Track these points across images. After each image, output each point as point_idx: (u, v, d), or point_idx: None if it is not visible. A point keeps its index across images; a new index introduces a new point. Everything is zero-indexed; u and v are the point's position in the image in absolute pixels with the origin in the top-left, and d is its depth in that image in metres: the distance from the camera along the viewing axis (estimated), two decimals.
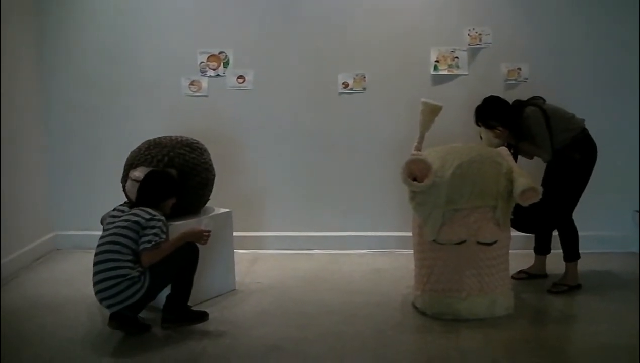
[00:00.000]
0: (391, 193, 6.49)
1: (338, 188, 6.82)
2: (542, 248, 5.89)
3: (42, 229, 6.81)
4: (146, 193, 4.94)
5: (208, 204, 5.67)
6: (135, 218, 4.73)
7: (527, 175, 4.90)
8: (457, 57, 6.50)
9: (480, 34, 6.46)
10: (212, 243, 5.44)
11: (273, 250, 6.83)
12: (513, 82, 6.50)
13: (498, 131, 5.44)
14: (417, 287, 5.20)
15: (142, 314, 4.89)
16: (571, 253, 5.55)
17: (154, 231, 4.69)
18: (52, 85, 6.77)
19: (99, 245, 4.73)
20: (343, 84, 6.65)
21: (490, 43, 6.48)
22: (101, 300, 4.66)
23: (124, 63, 6.76)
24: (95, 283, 4.65)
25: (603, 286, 5.66)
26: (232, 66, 6.72)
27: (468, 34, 6.48)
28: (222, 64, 6.72)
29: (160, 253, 4.68)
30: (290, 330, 4.86)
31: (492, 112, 5.49)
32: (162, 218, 4.83)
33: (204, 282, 5.40)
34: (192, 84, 6.75)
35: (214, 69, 6.72)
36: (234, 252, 5.75)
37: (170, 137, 5.47)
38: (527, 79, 6.48)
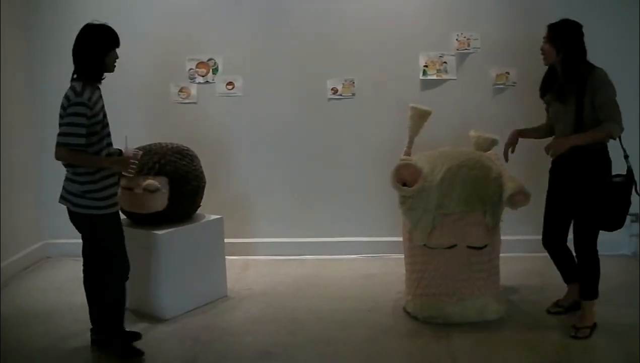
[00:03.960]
0: (381, 198, 6.50)
1: (328, 193, 6.83)
2: (573, 275, 5.08)
3: (31, 237, 6.80)
4: (87, 46, 4.33)
5: (199, 211, 5.67)
6: (64, 99, 4.30)
7: (517, 179, 4.91)
8: (445, 62, 6.52)
9: (468, 39, 6.49)
10: (203, 250, 5.46)
11: (264, 256, 6.84)
12: (501, 86, 6.53)
13: (549, 48, 4.79)
14: (408, 292, 5.22)
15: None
16: (590, 290, 4.81)
17: (63, 126, 4.22)
18: (42, 92, 6.74)
19: None
20: (332, 89, 6.66)
21: (478, 48, 6.50)
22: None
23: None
24: None
25: None
26: (221, 73, 6.72)
27: (456, 39, 6.50)
28: (211, 70, 6.72)
29: (71, 157, 4.23)
30: (281, 336, 4.87)
31: (566, 32, 4.76)
32: (85, 102, 4.21)
33: (195, 288, 5.41)
34: (181, 90, 6.75)
35: (202, 76, 6.73)
36: (225, 258, 5.74)
37: (161, 144, 5.47)
38: (515, 83, 6.51)
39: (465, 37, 6.47)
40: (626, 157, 4.66)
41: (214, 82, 6.74)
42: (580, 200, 4.69)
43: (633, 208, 6.45)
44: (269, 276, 6.26)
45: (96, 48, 4.32)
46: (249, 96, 6.73)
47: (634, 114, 6.45)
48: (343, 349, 4.63)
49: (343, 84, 6.66)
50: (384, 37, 6.59)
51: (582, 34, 4.76)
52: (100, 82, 4.44)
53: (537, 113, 6.53)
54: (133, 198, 5.20)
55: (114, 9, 6.67)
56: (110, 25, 4.41)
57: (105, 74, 4.44)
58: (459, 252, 4.89)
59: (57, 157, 4.25)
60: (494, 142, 5.34)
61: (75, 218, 4.42)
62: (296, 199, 6.86)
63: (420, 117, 5.37)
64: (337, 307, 5.42)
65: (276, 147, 6.81)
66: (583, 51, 4.74)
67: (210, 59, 6.71)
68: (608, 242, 6.54)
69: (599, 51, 6.42)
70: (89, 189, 4.30)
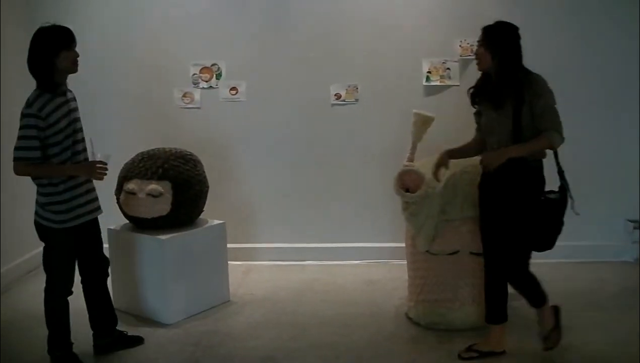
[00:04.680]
0: (384, 204, 6.50)
1: (331, 199, 6.83)
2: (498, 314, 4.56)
3: (34, 242, 6.76)
4: (36, 51, 4.15)
5: (202, 216, 5.68)
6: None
7: None
8: (448, 68, 6.53)
9: (471, 45, 6.47)
10: (206, 255, 5.47)
11: (266, 261, 6.83)
12: None
13: (484, 53, 4.41)
14: (411, 298, 5.22)
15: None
16: (535, 298, 4.52)
17: (17, 140, 4.10)
18: None
19: None
20: (335, 95, 6.67)
21: None
22: None
23: (117, 75, 6.77)
24: None
25: (596, 295, 5.67)
26: (224, 78, 6.73)
27: (460, 45, 6.50)
28: (214, 75, 6.74)
29: (30, 171, 4.15)
30: (284, 341, 4.87)
31: (499, 34, 4.41)
32: (34, 113, 4.04)
33: (198, 293, 5.41)
34: (184, 95, 6.77)
35: (206, 81, 6.74)
36: (227, 263, 5.75)
37: (164, 148, 5.49)
38: None
39: (468, 43, 6.47)
40: (560, 172, 4.38)
41: (218, 87, 6.75)
42: (510, 218, 4.31)
43: (634, 215, 6.53)
44: (272, 281, 6.26)
45: (44, 51, 4.11)
46: (253, 101, 6.74)
47: (634, 114, 6.47)
48: (345, 354, 4.63)
49: (346, 89, 6.66)
50: (388, 43, 6.60)
51: (518, 37, 4.42)
52: (57, 88, 4.20)
53: None
54: (136, 202, 5.22)
55: (117, 13, 6.70)
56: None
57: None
58: (461, 258, 4.89)
59: (16, 173, 4.16)
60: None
61: (35, 227, 4.36)
62: (299, 205, 6.86)
63: (423, 123, 5.37)
64: (339, 312, 5.42)
65: (279, 153, 6.82)
66: (519, 55, 4.39)
67: (213, 64, 6.72)
68: (610, 249, 6.58)
69: (599, 51, 6.50)
70: (51, 201, 4.20)
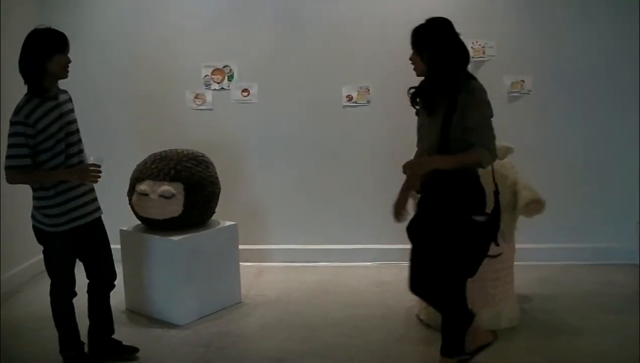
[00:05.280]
0: None
1: (343, 200, 6.84)
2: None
3: (33, 249, 6.73)
4: (27, 55, 4.07)
5: (214, 217, 5.70)
6: None
7: (532, 188, 4.91)
8: None
9: (483, 47, 6.48)
10: (218, 256, 5.48)
11: (278, 262, 6.84)
12: (516, 94, 6.53)
13: (415, 57, 4.17)
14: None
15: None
16: (451, 345, 4.12)
17: (7, 148, 4.05)
18: None
19: None
20: (347, 96, 6.68)
21: (493, 55, 6.50)
22: None
23: (129, 77, 6.79)
24: None
25: (606, 298, 5.66)
26: (236, 80, 6.75)
27: (471, 47, 6.47)
28: (226, 77, 6.76)
29: (22, 179, 4.11)
30: (295, 343, 4.87)
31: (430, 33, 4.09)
32: (21, 120, 3.99)
33: (209, 294, 5.42)
34: (196, 97, 6.79)
35: (218, 83, 6.76)
36: (239, 264, 5.76)
37: (176, 150, 5.51)
38: (530, 91, 6.51)
39: (480, 45, 6.47)
40: (496, 193, 4.01)
41: (230, 89, 6.77)
42: (438, 236, 3.94)
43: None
44: (283, 282, 6.27)
45: (36, 55, 4.03)
46: (264, 103, 6.75)
47: (634, 114, 6.45)
48: (357, 356, 4.63)
49: (358, 91, 6.67)
50: (399, 45, 6.51)
51: (452, 35, 3.99)
52: (47, 93, 4.12)
53: (552, 121, 6.56)
54: (148, 203, 5.24)
55: (129, 16, 6.73)
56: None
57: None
58: None
59: (9, 181, 4.12)
60: (509, 150, 5.31)
61: (33, 231, 4.32)
62: (310, 206, 6.87)
63: None
64: (351, 313, 5.43)
65: (291, 154, 6.83)
66: (456, 56, 3.93)
67: (225, 66, 6.74)
68: (620, 252, 6.56)
69: (605, 60, 6.49)
70: (43, 205, 4.16)
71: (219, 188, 5.62)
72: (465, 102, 3.78)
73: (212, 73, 6.76)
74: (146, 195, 5.23)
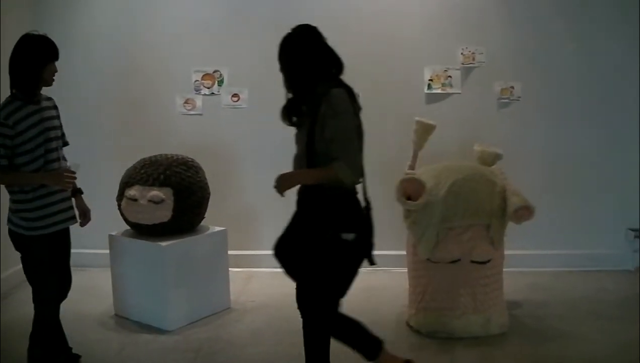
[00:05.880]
0: (385, 211, 6.44)
1: None
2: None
3: None
4: (24, 59, 4.06)
5: (203, 223, 5.68)
6: None
7: (521, 194, 4.92)
8: (450, 76, 6.54)
9: (473, 53, 6.50)
10: (207, 262, 5.47)
11: (267, 268, 6.77)
12: (506, 100, 6.54)
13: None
14: (412, 306, 5.21)
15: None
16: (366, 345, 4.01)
17: None
18: None
19: None
20: None
21: (483, 62, 6.51)
22: None
23: (119, 81, 6.77)
24: None
25: (597, 304, 5.67)
26: (226, 85, 6.75)
27: (461, 53, 6.51)
28: (216, 82, 6.75)
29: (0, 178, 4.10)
30: (285, 348, 4.86)
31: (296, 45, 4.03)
32: (1, 121, 3.96)
33: (199, 300, 5.41)
34: (186, 102, 6.77)
35: (208, 88, 6.75)
36: (228, 270, 5.75)
37: (166, 155, 5.49)
38: (520, 97, 6.52)
39: (470, 51, 6.49)
40: (367, 209, 3.84)
41: (220, 94, 6.76)
42: (304, 255, 3.86)
43: (635, 224, 6.53)
44: (273, 288, 6.24)
45: (33, 61, 4.04)
46: (254, 108, 6.74)
47: (634, 114, 6.47)
48: (346, 362, 4.62)
49: None
50: (389, 51, 6.60)
51: (311, 42, 3.95)
52: (33, 97, 4.10)
53: (541, 128, 6.57)
54: (137, 209, 5.22)
55: (119, 19, 6.71)
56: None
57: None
58: (462, 266, 4.89)
59: None
60: (498, 156, 5.33)
61: (9, 235, 4.28)
62: None
63: (425, 131, 5.39)
64: None
65: (281, 159, 6.75)
66: (316, 64, 3.85)
67: (215, 71, 6.74)
68: (611, 258, 6.58)
69: (595, 66, 6.51)
70: (21, 208, 4.13)
71: (209, 194, 5.61)
72: (325, 113, 3.64)
73: (202, 78, 6.74)
74: (135, 200, 5.21)
